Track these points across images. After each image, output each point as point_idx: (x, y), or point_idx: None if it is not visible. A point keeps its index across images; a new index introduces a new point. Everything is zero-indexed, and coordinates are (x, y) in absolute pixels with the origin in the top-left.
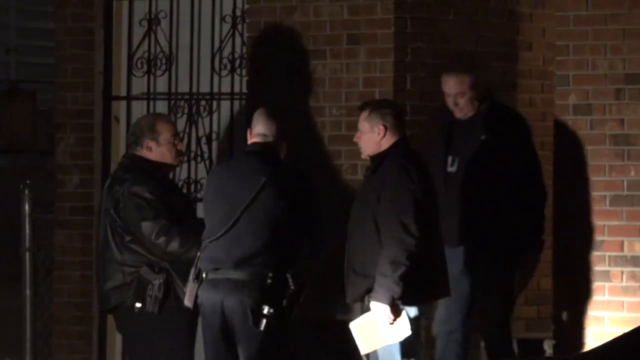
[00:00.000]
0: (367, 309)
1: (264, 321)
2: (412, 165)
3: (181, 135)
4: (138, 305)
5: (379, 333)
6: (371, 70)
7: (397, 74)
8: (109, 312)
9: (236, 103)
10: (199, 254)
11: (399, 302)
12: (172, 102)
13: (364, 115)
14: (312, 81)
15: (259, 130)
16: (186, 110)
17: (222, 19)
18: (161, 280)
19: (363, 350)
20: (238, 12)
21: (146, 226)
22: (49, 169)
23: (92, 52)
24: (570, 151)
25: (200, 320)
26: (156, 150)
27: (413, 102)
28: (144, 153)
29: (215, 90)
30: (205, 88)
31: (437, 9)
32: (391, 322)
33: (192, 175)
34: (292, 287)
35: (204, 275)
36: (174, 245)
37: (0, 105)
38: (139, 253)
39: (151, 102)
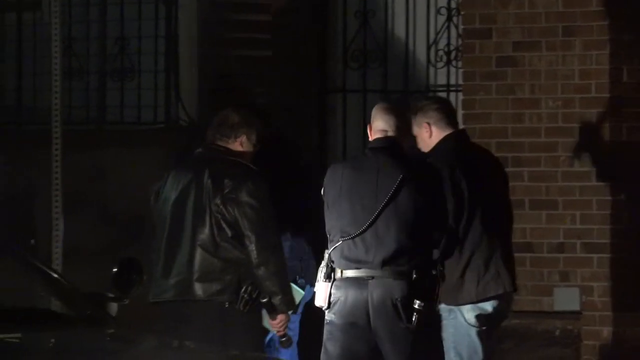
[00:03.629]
0: None
1: (416, 316)
2: (456, 163)
3: None
4: (228, 301)
5: None
6: (587, 62)
7: (613, 66)
8: (173, 302)
9: (452, 95)
10: (327, 253)
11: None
12: (387, 94)
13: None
14: (528, 73)
15: (379, 126)
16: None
17: (437, 11)
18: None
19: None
20: (453, 4)
21: (258, 234)
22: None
23: (308, 45)
24: None
25: (331, 317)
26: (246, 147)
27: (630, 95)
28: (235, 146)
29: (431, 82)
30: (420, 80)
31: None
32: None
33: None
34: (436, 280)
35: (339, 273)
36: (267, 269)
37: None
38: (237, 250)
39: (367, 95)
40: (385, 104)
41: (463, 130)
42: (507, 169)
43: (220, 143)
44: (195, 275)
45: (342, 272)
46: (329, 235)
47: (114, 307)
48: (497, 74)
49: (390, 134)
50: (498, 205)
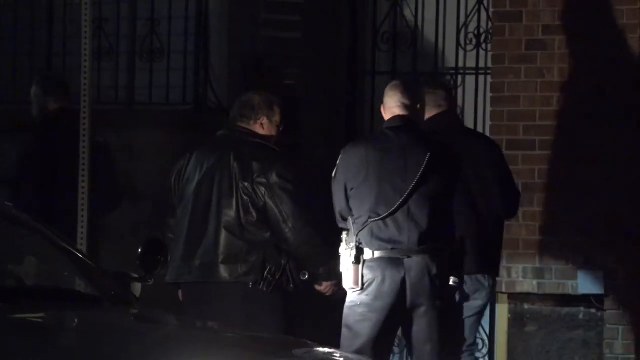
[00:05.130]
0: None
1: (450, 292)
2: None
3: None
4: (252, 282)
5: None
6: (619, 47)
7: None
8: (195, 284)
9: (481, 78)
10: (346, 235)
11: None
12: (417, 76)
13: None
14: (557, 57)
15: (394, 104)
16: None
17: None
18: (283, 262)
19: None
20: None
21: (295, 215)
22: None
23: (338, 27)
24: None
25: (363, 299)
26: (267, 129)
27: None
28: (256, 128)
29: (461, 65)
30: (450, 63)
31: None
32: None
33: None
34: (462, 255)
35: (369, 254)
36: (311, 246)
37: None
38: (262, 232)
39: (396, 77)
40: (395, 82)
41: (446, 112)
42: (535, 152)
43: (241, 125)
44: (221, 258)
45: (373, 252)
46: (352, 216)
47: (138, 288)
48: (527, 57)
49: (403, 112)
50: (478, 186)
